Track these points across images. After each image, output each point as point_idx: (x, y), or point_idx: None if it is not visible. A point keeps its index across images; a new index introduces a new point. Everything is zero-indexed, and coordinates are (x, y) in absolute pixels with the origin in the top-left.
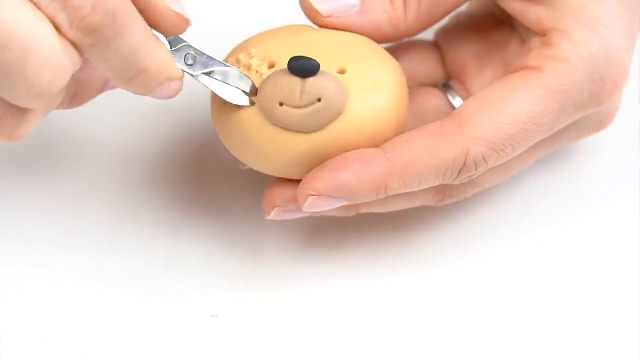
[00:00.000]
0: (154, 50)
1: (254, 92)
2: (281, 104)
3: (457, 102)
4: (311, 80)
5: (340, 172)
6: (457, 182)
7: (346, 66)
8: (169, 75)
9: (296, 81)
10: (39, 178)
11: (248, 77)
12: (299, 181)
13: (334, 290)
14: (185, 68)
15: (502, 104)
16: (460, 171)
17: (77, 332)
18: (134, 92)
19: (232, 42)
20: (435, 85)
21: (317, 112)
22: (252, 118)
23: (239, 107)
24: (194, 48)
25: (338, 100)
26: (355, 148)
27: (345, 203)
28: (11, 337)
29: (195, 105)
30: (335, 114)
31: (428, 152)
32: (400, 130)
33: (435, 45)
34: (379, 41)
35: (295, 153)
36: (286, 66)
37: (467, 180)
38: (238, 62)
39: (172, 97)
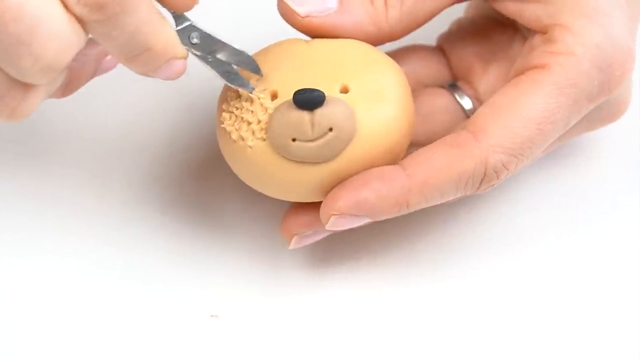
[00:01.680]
0: (159, 27)
1: (258, 72)
2: (293, 140)
3: (465, 101)
4: (319, 111)
5: (361, 190)
6: (480, 192)
7: (348, 82)
8: (174, 54)
9: (304, 115)
10: (39, 178)
11: (250, 56)
12: (311, 204)
13: (334, 290)
14: (190, 47)
15: (514, 107)
16: (481, 181)
17: (77, 331)
18: (137, 72)
19: None
20: (441, 86)
21: (330, 142)
22: (263, 153)
23: (248, 145)
24: (198, 28)
25: (349, 125)
26: (372, 165)
27: (368, 220)
28: (10, 337)
29: (197, 105)
30: (348, 140)
31: (446, 166)
32: (412, 133)
33: (440, 50)
34: (363, 41)
35: (312, 183)
36: (290, 97)
37: (489, 188)
38: (239, 95)
39: (175, 77)
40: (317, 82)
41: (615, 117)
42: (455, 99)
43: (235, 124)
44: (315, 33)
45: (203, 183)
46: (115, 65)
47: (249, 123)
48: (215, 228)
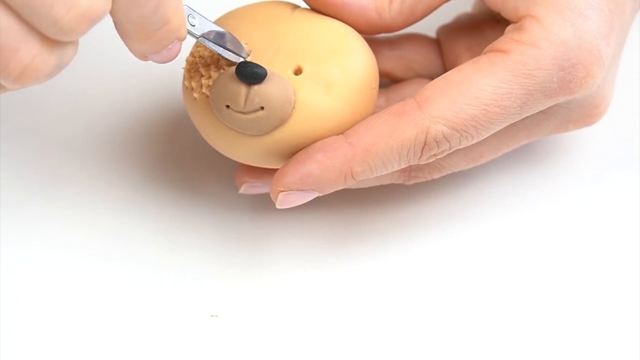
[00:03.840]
0: (177, 1)
1: (245, 56)
2: (227, 106)
3: None
4: (256, 88)
5: (305, 164)
6: (422, 162)
7: (305, 64)
8: (181, 33)
9: (241, 87)
10: (39, 177)
11: (241, 44)
12: None
13: (334, 290)
14: (190, 28)
15: (465, 84)
16: (422, 150)
17: (77, 331)
18: (142, 51)
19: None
20: (431, 78)
21: (259, 119)
22: (204, 108)
23: (194, 95)
24: (192, 9)
25: (281, 109)
26: (302, 148)
27: (316, 194)
28: (10, 335)
29: None
30: (278, 123)
31: (387, 133)
32: None
33: (437, 41)
34: (361, 28)
35: (245, 150)
36: (237, 65)
37: (432, 159)
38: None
39: (170, 60)
40: (276, 57)
41: (589, 120)
42: None
43: (192, 71)
44: (321, 7)
45: (202, 183)
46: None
47: (202, 75)
48: (215, 228)
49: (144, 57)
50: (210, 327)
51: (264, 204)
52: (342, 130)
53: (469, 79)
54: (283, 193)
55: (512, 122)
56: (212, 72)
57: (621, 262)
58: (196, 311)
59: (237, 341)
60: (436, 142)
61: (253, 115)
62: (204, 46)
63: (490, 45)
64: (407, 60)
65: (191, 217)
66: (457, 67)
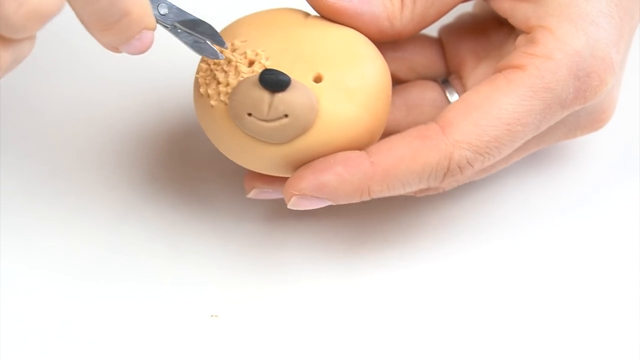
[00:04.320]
0: None
1: (222, 44)
2: (249, 114)
3: (454, 97)
4: (280, 95)
5: (324, 173)
6: (444, 186)
7: (324, 72)
8: (147, 23)
9: (265, 95)
10: (39, 177)
11: (218, 33)
12: None
13: (334, 290)
14: (159, 17)
15: (486, 105)
16: (444, 175)
17: (77, 332)
18: (108, 43)
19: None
20: (434, 80)
21: (283, 127)
22: (223, 116)
23: (211, 103)
24: None
25: (305, 117)
26: (324, 156)
27: (329, 203)
28: (10, 337)
29: None
30: (301, 130)
31: (410, 156)
32: (376, 136)
33: (439, 41)
34: (373, 36)
35: (263, 159)
36: (265, 67)
37: (454, 184)
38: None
39: (143, 51)
40: (295, 64)
41: (597, 126)
42: (445, 94)
43: (207, 78)
44: (333, 17)
45: (202, 183)
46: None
47: (219, 83)
48: (216, 228)
49: (114, 48)
50: (210, 327)
51: (264, 206)
52: (363, 138)
53: (489, 100)
54: (297, 196)
55: (532, 136)
56: (230, 79)
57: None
58: (196, 311)
59: (237, 341)
60: (459, 167)
61: (276, 123)
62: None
63: (504, 61)
64: (409, 61)
65: (192, 219)
66: (475, 88)
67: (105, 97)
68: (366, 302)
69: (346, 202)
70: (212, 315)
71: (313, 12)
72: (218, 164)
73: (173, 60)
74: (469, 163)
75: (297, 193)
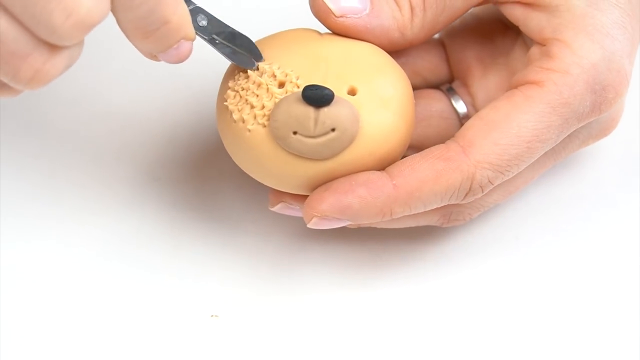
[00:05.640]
0: (176, 2)
1: (259, 57)
2: (295, 133)
3: (460, 105)
4: (325, 110)
5: (346, 195)
6: (463, 202)
7: (357, 84)
8: (186, 33)
9: (310, 111)
10: (40, 177)
11: (255, 45)
12: None
13: (334, 291)
14: (198, 29)
15: (505, 123)
16: (466, 195)
17: (76, 331)
18: (147, 50)
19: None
20: (438, 87)
21: (331, 141)
22: (261, 140)
23: (248, 128)
24: (204, 10)
25: (351, 128)
26: (367, 169)
27: (349, 223)
28: (10, 338)
29: (199, 105)
30: (348, 143)
31: (433, 178)
32: (408, 143)
33: (441, 44)
34: (385, 47)
35: (305, 177)
36: (298, 89)
37: (471, 199)
38: (247, 76)
39: (181, 60)
40: (326, 79)
41: (606, 132)
42: (451, 103)
43: (239, 104)
44: (344, 33)
45: (203, 183)
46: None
47: (253, 106)
48: (216, 228)
49: (152, 56)
50: (210, 327)
51: (265, 207)
52: (400, 146)
53: (508, 118)
54: (318, 218)
55: (550, 148)
56: (264, 102)
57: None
58: (196, 311)
59: (237, 341)
60: (481, 186)
61: (324, 139)
62: (242, 77)
63: (520, 75)
64: (413, 65)
65: (192, 219)
66: (493, 105)
67: (105, 97)
68: (366, 303)
69: (367, 222)
70: (212, 315)
71: (323, 29)
72: (218, 164)
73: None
74: (490, 182)
75: (318, 214)
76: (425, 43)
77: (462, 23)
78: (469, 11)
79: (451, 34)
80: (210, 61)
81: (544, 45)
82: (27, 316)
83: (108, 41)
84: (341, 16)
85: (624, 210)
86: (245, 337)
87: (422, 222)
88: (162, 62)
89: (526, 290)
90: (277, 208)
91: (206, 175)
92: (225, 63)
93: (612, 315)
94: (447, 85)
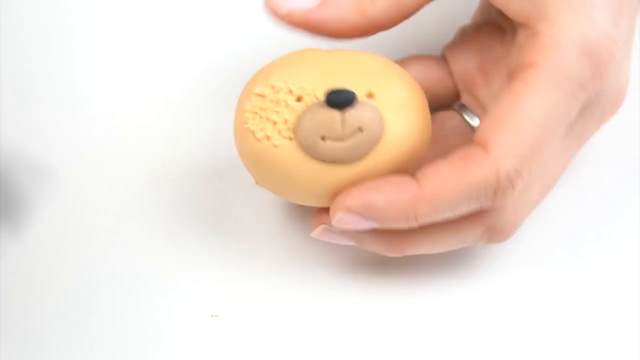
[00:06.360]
0: None
1: None
2: (323, 138)
3: (474, 120)
4: (350, 111)
5: (372, 192)
6: (497, 205)
7: (373, 89)
8: None
9: (335, 113)
10: (39, 177)
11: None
12: None
13: (334, 291)
14: None
15: (514, 113)
16: (495, 192)
17: (76, 331)
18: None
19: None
20: (448, 105)
21: (360, 142)
22: (290, 153)
23: (274, 144)
24: None
25: (377, 128)
26: (396, 169)
27: (374, 225)
28: (10, 337)
29: (199, 105)
30: (376, 142)
31: (456, 177)
32: (428, 143)
33: (444, 59)
34: (350, 34)
35: (337, 184)
36: (317, 100)
37: (505, 200)
38: (263, 96)
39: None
40: (343, 87)
41: (618, 104)
42: (465, 119)
43: (260, 123)
44: (301, 27)
45: (203, 183)
46: None
47: (275, 123)
48: (215, 228)
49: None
50: (210, 327)
51: (265, 207)
52: (422, 147)
53: (515, 108)
54: (342, 213)
55: (568, 127)
56: (286, 117)
57: None
58: (196, 311)
59: (237, 341)
60: (509, 179)
61: (352, 140)
62: (258, 99)
63: (513, 63)
64: (419, 81)
65: (192, 219)
66: (497, 102)
67: (105, 97)
68: (367, 305)
69: (392, 225)
70: (212, 315)
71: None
72: (219, 163)
73: (174, 60)
74: (517, 172)
75: (342, 210)
76: (428, 59)
77: (461, 35)
78: (469, 22)
79: (452, 48)
80: (210, 61)
81: (530, 28)
82: (27, 316)
83: (108, 41)
84: (287, 14)
85: (624, 210)
86: (245, 337)
87: (467, 238)
88: (162, 62)
89: (526, 290)
90: (317, 232)
91: (206, 176)
92: (225, 62)
93: (612, 315)
94: (457, 102)
